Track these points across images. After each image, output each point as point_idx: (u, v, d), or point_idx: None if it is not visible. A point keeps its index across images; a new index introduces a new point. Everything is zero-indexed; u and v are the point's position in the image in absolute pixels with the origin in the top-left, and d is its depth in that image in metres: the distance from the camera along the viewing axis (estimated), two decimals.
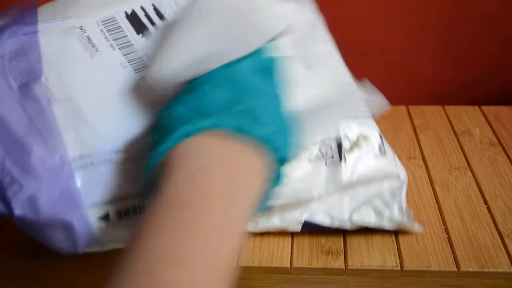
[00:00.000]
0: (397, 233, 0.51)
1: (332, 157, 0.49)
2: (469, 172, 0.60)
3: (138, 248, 0.31)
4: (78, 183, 0.40)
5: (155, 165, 0.36)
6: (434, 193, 0.57)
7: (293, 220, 0.50)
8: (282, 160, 0.38)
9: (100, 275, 0.46)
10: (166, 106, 0.38)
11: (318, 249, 0.50)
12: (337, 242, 0.50)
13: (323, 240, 0.51)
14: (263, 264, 0.48)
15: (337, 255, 0.49)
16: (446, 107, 0.74)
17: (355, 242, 0.50)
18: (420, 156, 0.63)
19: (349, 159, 0.49)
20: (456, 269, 0.47)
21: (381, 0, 0.88)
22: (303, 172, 0.48)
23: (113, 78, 0.41)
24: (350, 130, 0.50)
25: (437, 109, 0.73)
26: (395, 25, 0.90)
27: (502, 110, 0.73)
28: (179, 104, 0.37)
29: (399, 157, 0.59)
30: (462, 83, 0.92)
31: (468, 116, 0.71)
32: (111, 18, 0.42)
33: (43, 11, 0.44)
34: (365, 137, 0.50)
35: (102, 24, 0.42)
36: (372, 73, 0.95)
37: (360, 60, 0.93)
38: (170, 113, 0.37)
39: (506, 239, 0.50)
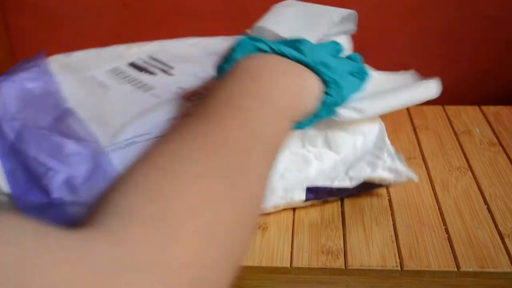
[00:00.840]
0: (397, 233, 0.51)
1: None
2: (469, 172, 0.60)
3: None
4: (113, 162, 0.47)
5: (226, 70, 0.45)
6: (434, 193, 0.57)
7: (296, 189, 0.53)
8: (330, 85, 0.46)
9: None
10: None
11: (318, 249, 0.50)
12: (337, 242, 0.50)
13: (323, 240, 0.51)
14: (263, 264, 0.48)
15: (337, 255, 0.49)
16: (446, 107, 0.74)
17: (355, 242, 0.50)
18: (420, 156, 0.63)
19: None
20: (456, 269, 0.47)
21: (381, 1, 0.88)
22: None
23: (125, 98, 0.57)
24: None
25: (437, 109, 0.73)
26: (395, 26, 0.90)
27: (502, 110, 0.73)
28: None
29: None
30: (462, 83, 0.92)
31: (468, 116, 0.71)
32: (115, 68, 0.62)
33: (54, 66, 0.59)
34: None
35: (110, 72, 0.61)
36: None
37: None
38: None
39: (506, 239, 0.50)
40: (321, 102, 0.46)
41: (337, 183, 0.53)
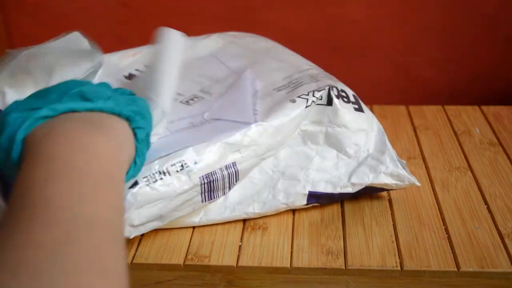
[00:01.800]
0: (397, 233, 0.51)
1: (321, 98, 0.54)
2: (469, 172, 0.60)
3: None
4: None
5: (19, 153, 0.37)
6: (434, 193, 0.57)
7: (297, 194, 0.52)
8: (131, 118, 0.41)
9: None
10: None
11: (318, 249, 0.50)
12: (337, 242, 0.50)
13: (323, 240, 0.51)
14: (263, 264, 0.48)
15: (337, 255, 0.49)
16: (446, 107, 0.74)
17: (355, 242, 0.50)
18: (420, 156, 0.63)
19: (334, 103, 0.54)
20: (456, 269, 0.47)
21: (381, 1, 0.88)
22: (295, 113, 0.53)
23: None
24: (335, 84, 0.56)
25: (437, 109, 0.73)
26: (395, 26, 0.90)
27: (502, 110, 0.73)
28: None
29: (399, 157, 0.59)
30: (462, 83, 0.92)
31: (468, 116, 0.71)
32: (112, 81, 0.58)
33: None
34: (344, 91, 0.56)
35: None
36: (373, 73, 0.95)
37: (360, 60, 0.94)
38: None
39: (506, 239, 0.50)
40: (136, 140, 0.42)
41: (339, 190, 0.53)
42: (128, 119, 0.41)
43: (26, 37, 0.96)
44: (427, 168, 0.61)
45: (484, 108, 0.73)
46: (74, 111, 0.39)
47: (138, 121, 0.42)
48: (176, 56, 0.50)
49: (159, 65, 0.49)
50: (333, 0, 0.88)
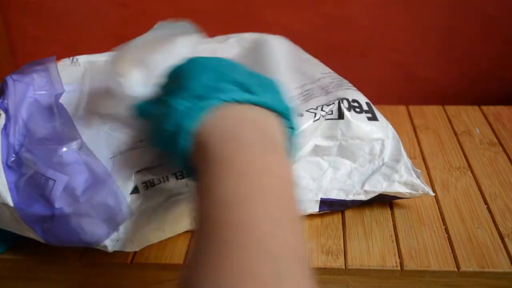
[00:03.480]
0: (397, 233, 0.51)
1: (332, 112, 0.53)
2: (469, 172, 0.60)
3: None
4: (109, 168, 0.46)
5: (187, 144, 0.38)
6: (434, 193, 0.57)
7: (309, 200, 0.52)
8: (286, 116, 0.41)
9: (96, 272, 0.46)
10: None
11: (318, 249, 0.50)
12: (337, 242, 0.50)
13: (323, 240, 0.51)
14: None
15: (337, 255, 0.49)
16: (446, 107, 0.74)
17: (355, 242, 0.50)
18: (420, 156, 0.63)
19: (346, 116, 0.52)
20: (456, 269, 0.47)
21: (381, 1, 0.88)
22: (305, 126, 0.52)
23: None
24: (346, 95, 0.54)
25: (437, 109, 0.73)
26: (395, 26, 0.90)
27: (502, 110, 0.73)
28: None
29: None
30: (462, 83, 0.93)
31: (468, 116, 0.71)
32: None
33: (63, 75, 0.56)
34: (356, 100, 0.54)
35: None
36: (373, 73, 0.95)
37: (360, 60, 0.94)
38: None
39: (506, 239, 0.50)
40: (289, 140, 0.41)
41: (352, 197, 0.52)
42: (283, 116, 0.40)
43: (26, 37, 0.96)
44: (427, 168, 0.61)
45: (484, 108, 0.73)
46: (236, 101, 0.38)
47: (291, 120, 0.41)
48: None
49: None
50: (333, 0, 0.88)
